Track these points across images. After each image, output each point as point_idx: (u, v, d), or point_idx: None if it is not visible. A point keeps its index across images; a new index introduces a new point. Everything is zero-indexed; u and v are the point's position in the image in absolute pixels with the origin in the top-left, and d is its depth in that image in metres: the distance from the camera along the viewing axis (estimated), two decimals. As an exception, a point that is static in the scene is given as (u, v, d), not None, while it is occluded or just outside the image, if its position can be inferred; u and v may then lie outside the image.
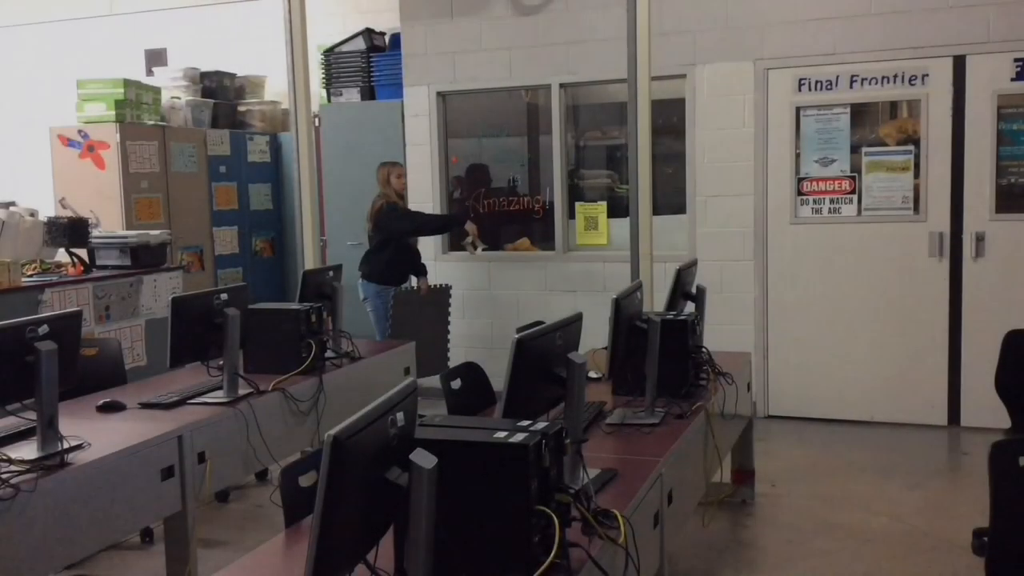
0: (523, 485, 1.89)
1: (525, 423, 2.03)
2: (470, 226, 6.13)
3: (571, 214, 6.50)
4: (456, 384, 3.39)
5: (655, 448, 2.94)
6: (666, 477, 2.81)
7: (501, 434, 1.95)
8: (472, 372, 3.60)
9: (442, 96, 6.70)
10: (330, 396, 3.99)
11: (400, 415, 1.75)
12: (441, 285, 6.35)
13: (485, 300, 6.64)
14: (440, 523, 1.74)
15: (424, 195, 6.73)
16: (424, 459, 1.68)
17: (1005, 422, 3.77)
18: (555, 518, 1.91)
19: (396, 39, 7.03)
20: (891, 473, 4.87)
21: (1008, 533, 2.20)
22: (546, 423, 2.04)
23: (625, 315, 3.31)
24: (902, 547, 3.92)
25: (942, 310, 5.60)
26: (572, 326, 2.75)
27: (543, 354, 2.53)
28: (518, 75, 6.47)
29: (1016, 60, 5.39)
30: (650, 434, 3.09)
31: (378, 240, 5.96)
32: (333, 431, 1.52)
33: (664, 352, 3.35)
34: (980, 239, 5.50)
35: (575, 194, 6.56)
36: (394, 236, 5.93)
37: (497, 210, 6.76)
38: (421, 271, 6.19)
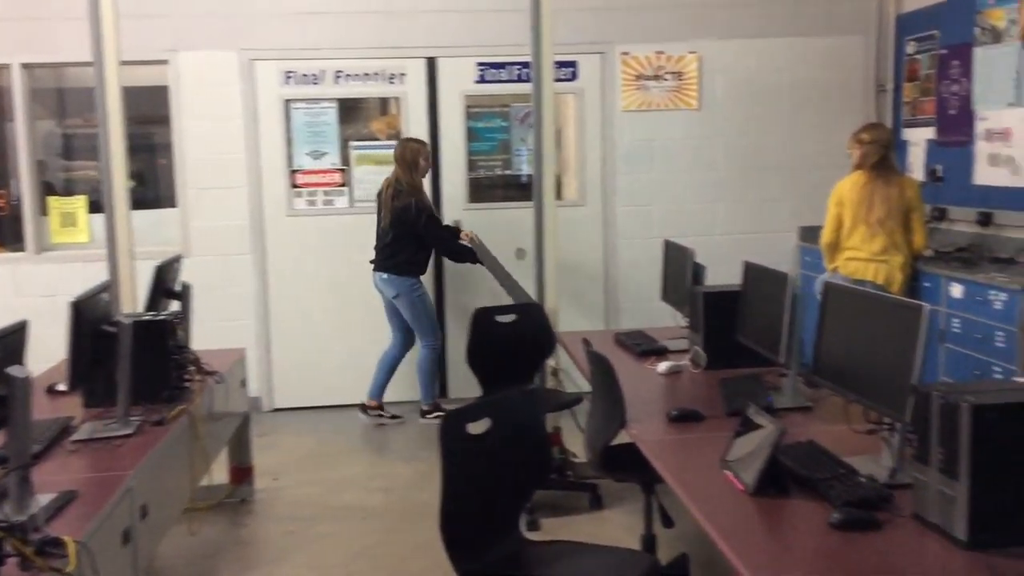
0: (-78, 531, 1.59)
1: (-67, 456, 1.73)
2: (465, 234, 5.60)
3: (45, 210, 5.81)
4: None
5: (126, 461, 2.72)
6: (137, 490, 2.61)
7: None
8: None
9: None
10: None
11: None
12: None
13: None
14: None
15: None
16: None
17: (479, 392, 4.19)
18: (-30, 562, 1.64)
19: None
20: (387, 450, 5.15)
21: (458, 491, 2.41)
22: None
23: (88, 319, 3.04)
24: (396, 518, 4.15)
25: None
26: (13, 336, 2.43)
27: (-30, 371, 2.18)
28: (-34, 50, 5.60)
29: (479, 64, 5.99)
30: (122, 446, 2.86)
31: (400, 233, 5.33)
32: None
33: (140, 356, 3.13)
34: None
35: (57, 187, 5.89)
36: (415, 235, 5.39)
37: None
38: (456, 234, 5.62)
